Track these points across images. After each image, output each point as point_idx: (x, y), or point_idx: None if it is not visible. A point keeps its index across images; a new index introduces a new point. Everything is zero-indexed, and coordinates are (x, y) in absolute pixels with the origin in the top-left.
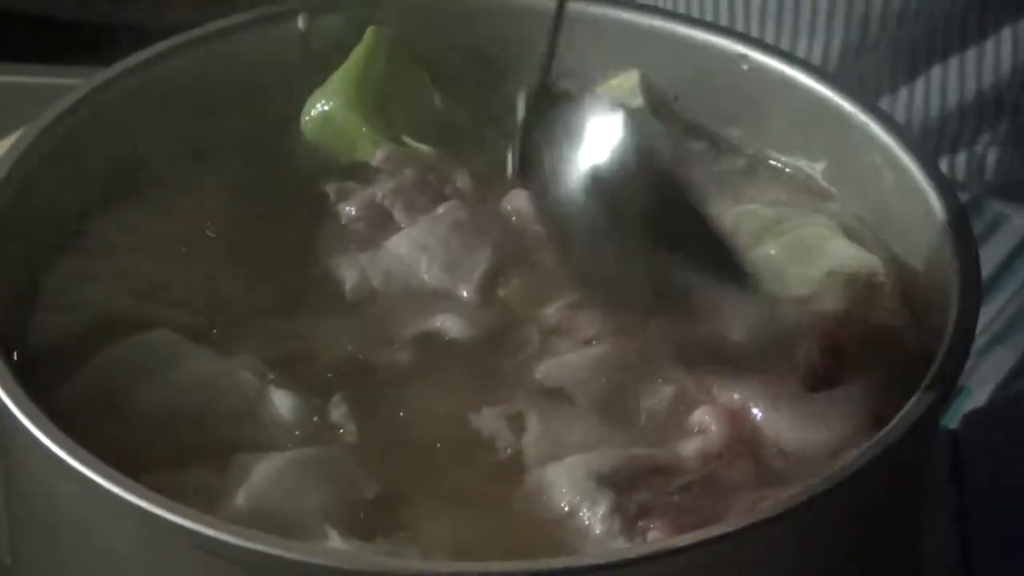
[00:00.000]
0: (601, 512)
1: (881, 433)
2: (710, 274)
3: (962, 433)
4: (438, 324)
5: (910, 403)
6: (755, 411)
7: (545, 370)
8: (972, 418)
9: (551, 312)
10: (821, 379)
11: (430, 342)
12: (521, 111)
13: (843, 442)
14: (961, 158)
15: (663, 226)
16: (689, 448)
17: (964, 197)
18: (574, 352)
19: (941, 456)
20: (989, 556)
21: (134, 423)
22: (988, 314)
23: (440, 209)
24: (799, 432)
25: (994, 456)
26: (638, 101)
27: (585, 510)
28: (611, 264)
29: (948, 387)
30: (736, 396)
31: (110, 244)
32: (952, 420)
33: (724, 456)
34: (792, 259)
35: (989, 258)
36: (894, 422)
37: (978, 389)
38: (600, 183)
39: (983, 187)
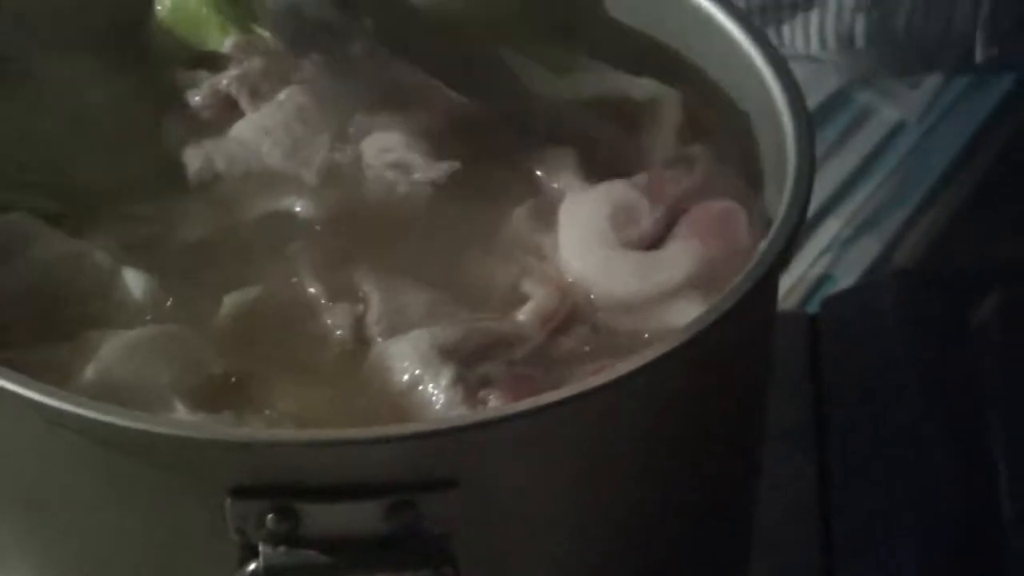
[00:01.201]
0: (444, 383)
1: (714, 303)
2: None
3: (821, 316)
4: (283, 205)
5: (753, 262)
6: (575, 264)
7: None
8: (831, 302)
9: None
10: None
11: (276, 223)
12: None
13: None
14: (829, 27)
15: None
16: (525, 314)
17: (831, 88)
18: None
19: (801, 340)
20: (846, 449)
21: None
22: (855, 204)
23: (282, 95)
24: (620, 285)
25: (851, 337)
26: None
27: (428, 381)
28: None
29: (789, 242)
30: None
31: None
32: (813, 307)
33: (559, 318)
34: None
35: (857, 149)
36: (732, 285)
37: (843, 278)
38: None
39: (856, 72)
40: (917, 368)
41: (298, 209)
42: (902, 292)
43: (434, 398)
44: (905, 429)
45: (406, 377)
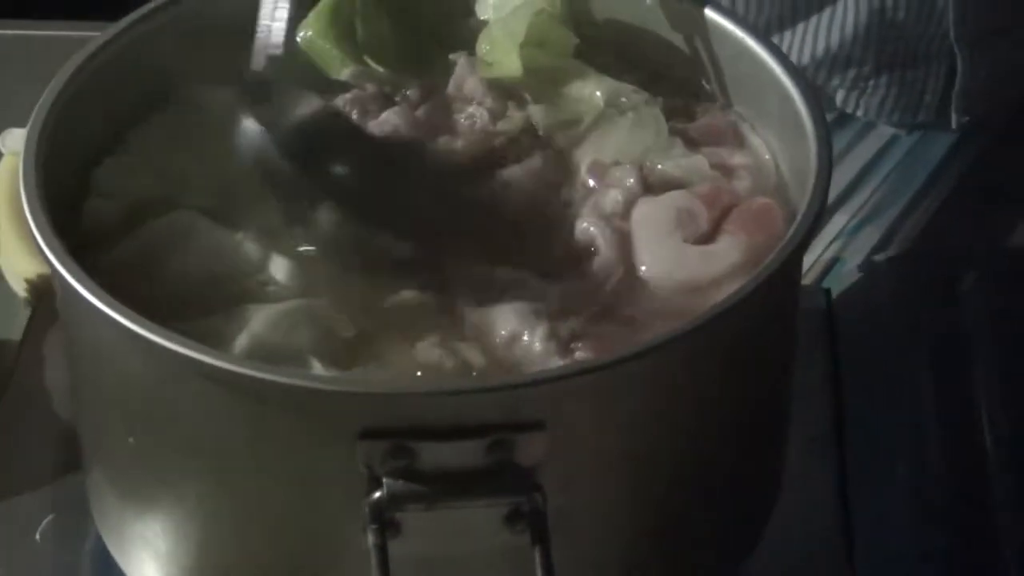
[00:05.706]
0: (540, 334)
1: (754, 274)
2: None
3: (835, 289)
4: None
5: (781, 243)
6: (647, 257)
7: None
8: (842, 278)
9: None
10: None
11: None
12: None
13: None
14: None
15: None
16: (593, 268)
17: (834, 113)
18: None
19: (818, 309)
20: (856, 395)
21: (162, 284)
22: (859, 201)
23: (383, 115)
24: (685, 272)
25: (858, 304)
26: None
27: (527, 335)
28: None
29: (808, 233)
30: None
31: (145, 147)
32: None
33: (620, 273)
34: None
35: (859, 156)
36: (766, 261)
37: (850, 259)
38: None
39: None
40: (914, 329)
41: None
42: (900, 268)
43: (532, 348)
44: (905, 378)
45: (507, 332)
